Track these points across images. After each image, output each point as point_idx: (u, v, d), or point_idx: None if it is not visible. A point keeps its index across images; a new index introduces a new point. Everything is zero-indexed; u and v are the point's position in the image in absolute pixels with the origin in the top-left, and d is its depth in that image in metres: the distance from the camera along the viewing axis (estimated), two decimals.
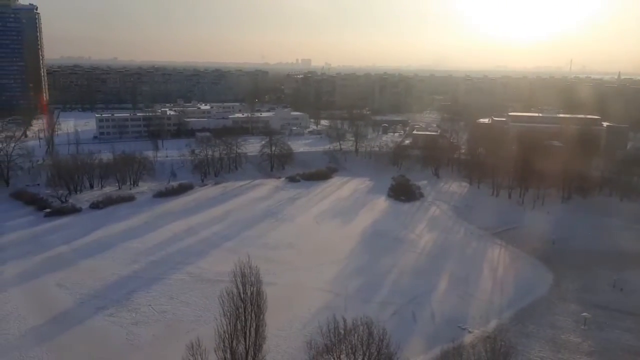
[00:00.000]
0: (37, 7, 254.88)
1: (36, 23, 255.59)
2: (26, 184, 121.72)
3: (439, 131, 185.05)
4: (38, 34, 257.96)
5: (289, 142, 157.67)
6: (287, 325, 59.64)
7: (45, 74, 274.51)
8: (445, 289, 72.43)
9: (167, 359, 51.68)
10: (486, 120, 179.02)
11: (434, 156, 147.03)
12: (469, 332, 59.55)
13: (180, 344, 44.09)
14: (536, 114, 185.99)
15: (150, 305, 64.98)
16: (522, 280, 75.91)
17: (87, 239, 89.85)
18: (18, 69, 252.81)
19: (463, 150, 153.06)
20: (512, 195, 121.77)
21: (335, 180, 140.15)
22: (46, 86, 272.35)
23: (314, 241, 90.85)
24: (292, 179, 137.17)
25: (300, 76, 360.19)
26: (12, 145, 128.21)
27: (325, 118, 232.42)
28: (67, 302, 65.93)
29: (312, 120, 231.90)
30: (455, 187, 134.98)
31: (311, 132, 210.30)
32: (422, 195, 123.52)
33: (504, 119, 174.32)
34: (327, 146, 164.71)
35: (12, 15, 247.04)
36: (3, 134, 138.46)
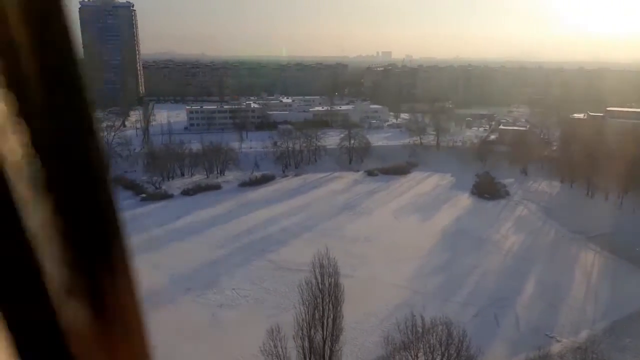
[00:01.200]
0: (133, 5, 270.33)
1: (132, 20, 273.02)
2: (124, 170, 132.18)
3: (528, 126, 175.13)
4: (134, 30, 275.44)
5: (368, 136, 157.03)
6: (364, 319, 59.81)
7: (142, 68, 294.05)
8: (532, 294, 68.83)
9: (249, 341, 53.94)
10: (581, 116, 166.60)
11: (522, 153, 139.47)
12: (557, 341, 56.27)
13: (261, 328, 46.03)
14: (639, 110, 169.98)
15: (234, 289, 68.24)
16: (619, 290, 70.17)
17: (178, 223, 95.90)
18: (117, 64, 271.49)
19: (554, 148, 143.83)
20: (609, 197, 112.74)
21: (415, 175, 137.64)
22: (142, 80, 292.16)
23: (392, 236, 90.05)
24: (370, 173, 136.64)
25: (381, 69, 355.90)
26: (112, 134, 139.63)
27: (405, 111, 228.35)
28: (160, 282, 70.79)
29: (391, 113, 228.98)
30: (545, 186, 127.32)
31: (390, 126, 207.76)
32: (507, 193, 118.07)
33: (601, 115, 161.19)
34: (407, 140, 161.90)
35: (111, 13, 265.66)
36: (104, 124, 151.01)
